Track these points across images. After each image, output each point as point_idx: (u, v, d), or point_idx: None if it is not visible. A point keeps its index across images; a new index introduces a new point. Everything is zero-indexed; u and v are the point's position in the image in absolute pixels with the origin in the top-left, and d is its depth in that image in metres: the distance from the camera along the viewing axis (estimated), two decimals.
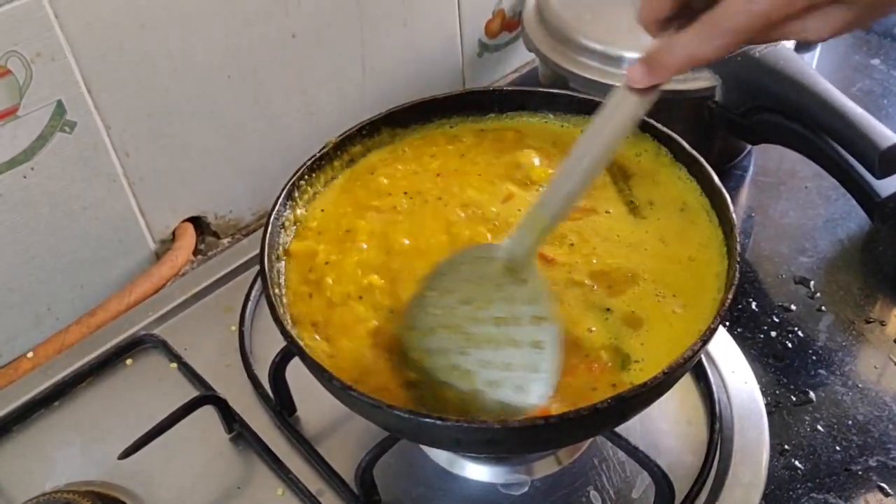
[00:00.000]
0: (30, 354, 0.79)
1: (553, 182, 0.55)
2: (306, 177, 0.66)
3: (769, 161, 0.97)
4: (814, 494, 0.66)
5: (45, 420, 0.73)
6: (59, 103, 0.74)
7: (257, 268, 0.80)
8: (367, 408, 0.50)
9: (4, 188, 0.74)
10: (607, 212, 0.65)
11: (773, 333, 0.78)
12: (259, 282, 0.79)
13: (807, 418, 0.71)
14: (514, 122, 0.73)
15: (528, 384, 0.52)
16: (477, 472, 0.65)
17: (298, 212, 0.66)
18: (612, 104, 0.53)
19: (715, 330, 0.52)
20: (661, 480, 0.58)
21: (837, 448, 0.69)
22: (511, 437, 0.49)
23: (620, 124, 0.53)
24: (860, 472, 0.67)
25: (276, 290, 0.59)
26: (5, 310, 0.79)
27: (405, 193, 0.68)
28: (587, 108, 0.70)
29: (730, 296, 0.53)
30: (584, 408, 0.48)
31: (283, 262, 0.63)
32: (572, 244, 0.63)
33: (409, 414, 0.49)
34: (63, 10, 0.71)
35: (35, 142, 0.74)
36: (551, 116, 0.72)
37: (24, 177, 0.75)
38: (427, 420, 0.48)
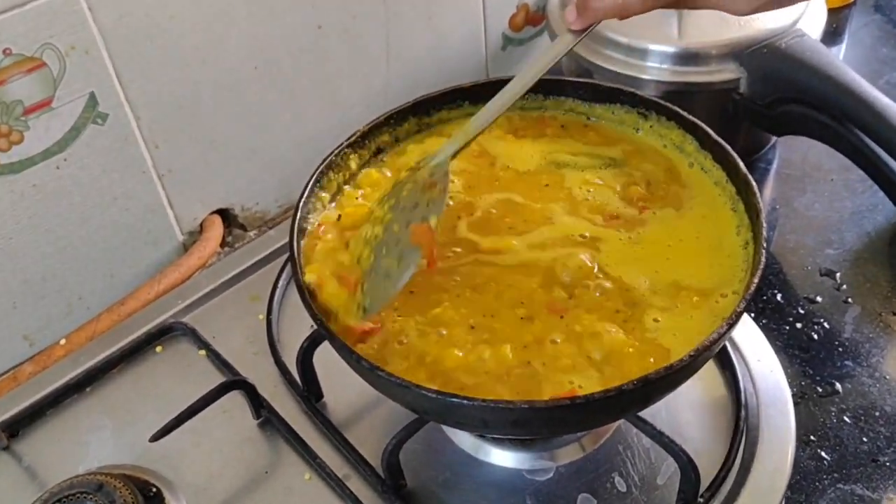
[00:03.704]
0: (62, 341, 0.81)
1: (490, 101, 0.61)
2: (334, 165, 0.67)
3: (794, 153, 0.96)
4: (840, 485, 0.66)
5: (77, 405, 0.74)
6: (92, 95, 0.75)
7: (284, 257, 0.82)
8: (394, 388, 0.51)
9: (38, 178, 0.76)
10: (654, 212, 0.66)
11: (799, 325, 0.78)
12: (285, 271, 0.80)
13: (833, 409, 0.71)
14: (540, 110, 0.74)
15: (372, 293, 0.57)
16: (502, 457, 0.66)
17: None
18: (554, 41, 0.60)
19: (741, 314, 0.52)
20: (687, 465, 0.58)
21: (864, 439, 0.69)
22: (536, 418, 0.49)
23: (551, 56, 0.60)
24: (888, 464, 0.67)
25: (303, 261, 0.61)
26: (39, 299, 0.81)
27: None
28: (609, 95, 0.71)
29: (755, 279, 0.53)
30: (609, 389, 0.49)
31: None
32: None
33: (435, 394, 0.49)
34: (97, 3, 0.72)
35: (68, 133, 0.75)
36: (582, 105, 0.72)
37: (58, 167, 0.76)
38: (453, 400, 0.49)
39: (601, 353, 0.55)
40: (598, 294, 0.59)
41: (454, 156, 0.61)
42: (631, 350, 0.55)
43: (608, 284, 0.59)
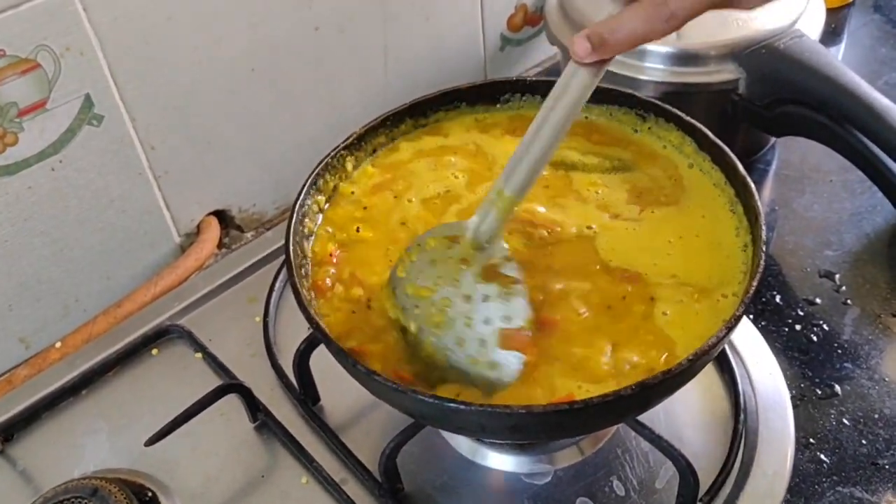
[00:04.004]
0: (58, 344, 0.80)
1: (514, 157, 0.56)
2: (330, 167, 0.66)
3: (793, 154, 0.96)
4: (839, 488, 0.65)
5: (73, 408, 0.74)
6: (87, 97, 0.75)
7: (281, 259, 0.81)
8: (392, 393, 0.50)
9: (33, 181, 0.75)
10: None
11: (798, 327, 0.78)
12: (282, 273, 0.80)
13: (832, 412, 0.71)
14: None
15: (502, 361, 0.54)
16: (500, 461, 0.65)
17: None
18: (566, 76, 0.54)
19: (739, 318, 0.52)
20: (685, 470, 0.58)
21: (864, 442, 0.68)
22: (535, 423, 0.49)
23: (574, 98, 0.54)
24: (887, 467, 0.67)
25: (302, 272, 0.60)
26: (34, 301, 0.80)
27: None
28: (606, 96, 0.70)
29: (754, 283, 0.53)
30: (607, 394, 0.48)
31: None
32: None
33: (433, 399, 0.49)
34: (91, 4, 0.72)
35: (63, 135, 0.75)
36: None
37: (53, 169, 0.76)
38: (451, 405, 0.48)
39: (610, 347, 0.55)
40: (601, 286, 0.59)
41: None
42: (644, 342, 0.55)
43: (610, 277, 0.60)
